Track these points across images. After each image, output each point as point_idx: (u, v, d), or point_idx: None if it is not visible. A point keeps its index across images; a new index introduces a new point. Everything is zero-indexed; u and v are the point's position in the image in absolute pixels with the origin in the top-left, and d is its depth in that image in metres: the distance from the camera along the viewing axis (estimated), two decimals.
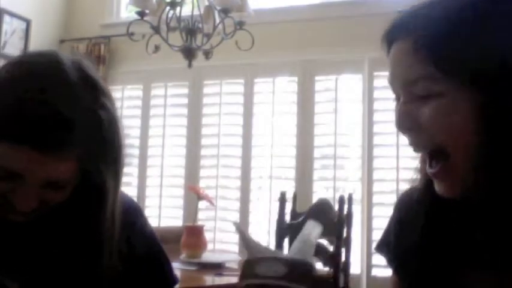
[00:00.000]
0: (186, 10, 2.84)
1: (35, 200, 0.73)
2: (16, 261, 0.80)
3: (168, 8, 2.72)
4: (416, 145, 0.66)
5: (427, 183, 0.71)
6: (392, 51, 0.68)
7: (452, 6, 0.64)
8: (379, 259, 3.32)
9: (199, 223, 3.04)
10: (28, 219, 0.77)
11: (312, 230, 0.77)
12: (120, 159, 0.80)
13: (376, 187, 3.37)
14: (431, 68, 0.62)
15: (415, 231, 0.72)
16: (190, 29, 2.76)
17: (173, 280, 0.99)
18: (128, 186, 3.95)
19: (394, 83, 0.68)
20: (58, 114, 0.69)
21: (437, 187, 0.66)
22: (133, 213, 0.94)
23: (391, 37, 0.69)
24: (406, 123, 0.65)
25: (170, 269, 0.98)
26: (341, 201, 2.35)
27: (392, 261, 0.81)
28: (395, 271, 0.80)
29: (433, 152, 0.64)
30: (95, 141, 0.74)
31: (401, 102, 0.66)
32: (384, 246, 0.83)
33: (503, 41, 0.60)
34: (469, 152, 0.61)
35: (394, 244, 0.80)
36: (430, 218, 0.71)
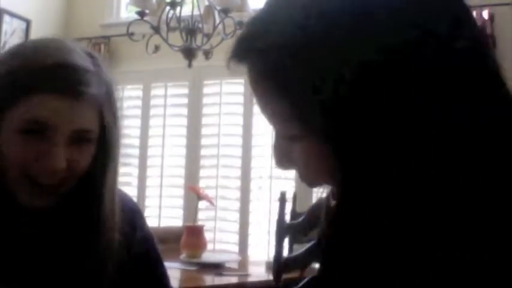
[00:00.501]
0: (186, 10, 2.84)
1: (63, 159, 0.75)
2: (15, 267, 0.80)
3: (168, 8, 2.72)
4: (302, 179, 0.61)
5: None
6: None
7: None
8: None
9: (199, 223, 3.04)
10: (49, 201, 0.79)
11: None
12: (119, 144, 0.85)
13: None
14: (283, 104, 0.54)
15: None
16: (190, 29, 2.77)
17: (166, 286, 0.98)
18: (128, 186, 3.95)
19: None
20: (73, 63, 0.76)
21: None
22: (133, 214, 0.94)
23: (237, 58, 0.58)
24: (282, 161, 0.60)
25: (165, 275, 0.98)
26: None
27: None
28: None
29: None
30: (109, 94, 0.80)
31: (274, 136, 0.60)
32: None
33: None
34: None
35: None
36: None
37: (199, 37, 2.80)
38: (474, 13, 3.07)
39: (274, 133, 0.60)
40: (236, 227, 3.65)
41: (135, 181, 3.94)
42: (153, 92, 3.97)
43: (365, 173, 0.52)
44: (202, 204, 3.11)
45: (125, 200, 0.93)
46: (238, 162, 3.69)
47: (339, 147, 0.52)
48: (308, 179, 0.60)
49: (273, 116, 0.57)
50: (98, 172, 0.81)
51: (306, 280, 2.07)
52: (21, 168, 0.76)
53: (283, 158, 0.60)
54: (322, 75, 0.51)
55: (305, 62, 0.52)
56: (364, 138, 0.51)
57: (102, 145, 0.81)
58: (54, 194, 0.79)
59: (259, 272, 2.57)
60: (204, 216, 3.63)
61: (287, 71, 0.52)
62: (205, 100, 3.84)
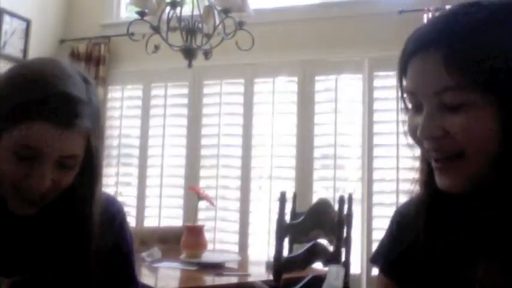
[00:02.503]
0: (186, 10, 2.84)
1: (49, 180, 0.84)
2: (8, 257, 0.88)
3: (168, 8, 2.72)
4: (436, 151, 0.68)
5: (426, 181, 0.73)
6: (416, 62, 0.69)
7: (478, 17, 0.66)
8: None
9: (199, 223, 3.04)
10: (34, 210, 0.88)
11: (337, 275, 0.78)
12: (104, 148, 0.95)
13: (376, 187, 3.37)
14: (461, 78, 0.64)
15: (415, 230, 0.75)
16: (190, 29, 2.77)
17: (132, 281, 1.05)
18: (128, 186, 3.96)
19: (418, 92, 0.69)
20: (67, 93, 0.83)
21: (442, 181, 0.69)
22: (114, 209, 1.02)
23: (414, 49, 0.70)
24: (434, 132, 0.67)
25: (132, 271, 1.06)
26: (341, 201, 2.35)
27: (388, 267, 0.82)
28: (391, 275, 0.82)
29: (451, 154, 0.67)
30: (97, 122, 0.88)
31: (427, 112, 0.68)
32: (378, 258, 0.86)
33: None
34: (486, 157, 0.65)
35: (389, 250, 0.82)
36: (431, 213, 0.74)
37: (199, 37, 2.80)
38: None
39: (426, 108, 0.68)
40: (236, 227, 3.65)
41: (135, 181, 3.94)
42: (153, 92, 3.97)
43: None
44: (202, 204, 3.11)
45: (108, 196, 1.03)
46: (238, 162, 3.69)
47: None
48: (455, 145, 0.66)
49: (443, 85, 0.65)
50: (84, 186, 0.91)
51: (306, 280, 2.08)
52: (12, 182, 0.85)
53: (435, 129, 0.67)
54: (504, 46, 0.63)
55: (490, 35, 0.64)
56: None
57: (88, 164, 0.89)
58: (37, 205, 0.88)
59: (259, 272, 2.57)
60: (204, 216, 3.63)
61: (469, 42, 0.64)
62: (205, 100, 3.84)
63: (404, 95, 0.73)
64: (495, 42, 0.64)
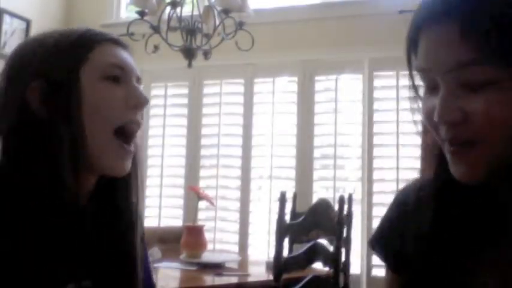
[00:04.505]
0: (186, 10, 2.84)
1: None
2: (70, 259, 0.78)
3: (168, 8, 2.72)
4: (453, 136, 0.61)
5: (436, 170, 0.68)
6: (429, 35, 0.61)
7: None
8: (379, 259, 3.32)
9: (199, 223, 3.04)
10: (128, 165, 0.82)
11: None
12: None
13: (376, 187, 3.37)
14: (483, 53, 0.56)
15: (418, 222, 0.70)
16: (190, 29, 2.77)
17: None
18: None
19: (432, 69, 0.61)
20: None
21: (458, 170, 0.62)
22: None
23: (425, 20, 0.62)
24: (453, 115, 0.59)
25: (151, 278, 1.01)
26: (341, 201, 2.35)
27: (390, 255, 0.79)
28: (393, 264, 0.79)
29: (470, 140, 0.60)
30: None
31: (444, 93, 0.60)
32: (377, 243, 0.82)
33: None
34: (507, 144, 0.58)
35: (391, 238, 0.78)
36: (440, 202, 0.68)
37: (199, 37, 2.80)
38: None
39: (443, 87, 0.60)
40: (236, 227, 3.65)
41: None
42: (153, 92, 3.97)
43: None
44: (202, 204, 3.11)
45: None
46: (238, 162, 3.69)
47: None
48: (474, 130, 0.59)
49: (461, 60, 0.58)
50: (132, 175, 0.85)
51: (306, 280, 2.08)
52: (113, 120, 0.78)
53: (454, 112, 0.59)
54: None
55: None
56: None
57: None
58: (131, 158, 0.82)
59: (259, 272, 2.57)
60: (204, 216, 3.63)
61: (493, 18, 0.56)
62: (205, 100, 3.84)
63: (414, 73, 0.66)
64: None
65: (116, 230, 0.83)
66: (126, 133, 0.79)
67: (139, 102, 0.81)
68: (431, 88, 0.63)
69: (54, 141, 0.74)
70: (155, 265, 2.55)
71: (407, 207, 0.74)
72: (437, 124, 0.62)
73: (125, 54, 0.83)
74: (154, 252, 2.65)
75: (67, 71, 0.76)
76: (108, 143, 0.78)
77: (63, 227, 0.75)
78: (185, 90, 3.89)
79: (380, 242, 0.81)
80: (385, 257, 0.81)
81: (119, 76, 0.80)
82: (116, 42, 0.83)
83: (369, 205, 3.35)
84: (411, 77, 0.67)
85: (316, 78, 3.58)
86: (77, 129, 0.75)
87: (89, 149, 0.76)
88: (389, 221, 0.79)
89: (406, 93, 3.46)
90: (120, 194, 0.84)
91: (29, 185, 0.73)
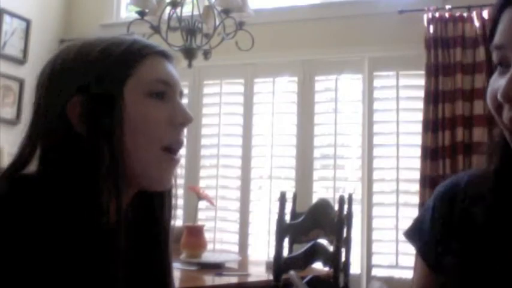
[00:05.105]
0: (186, 10, 2.84)
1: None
2: (119, 272, 0.76)
3: (168, 8, 2.72)
4: None
5: (501, 160, 0.67)
6: (508, 14, 0.62)
7: None
8: (379, 259, 3.32)
9: (199, 223, 3.04)
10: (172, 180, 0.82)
11: None
12: None
13: (376, 187, 3.37)
14: None
15: (476, 211, 0.69)
16: (190, 29, 2.77)
17: None
18: None
19: (505, 45, 0.62)
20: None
21: None
22: None
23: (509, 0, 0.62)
24: None
25: None
26: (341, 201, 2.35)
27: (428, 247, 0.77)
28: (431, 257, 0.77)
29: None
30: None
31: None
32: (415, 234, 0.81)
33: None
34: None
35: (432, 230, 0.77)
36: (500, 194, 0.67)
37: (199, 37, 2.80)
38: (474, 13, 3.09)
39: None
40: (236, 227, 3.65)
41: None
42: None
43: None
44: (202, 204, 3.11)
45: None
46: (238, 162, 3.69)
47: None
48: None
49: None
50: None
51: (306, 280, 2.08)
52: (160, 140, 0.76)
53: None
54: None
55: None
56: None
57: None
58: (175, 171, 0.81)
59: (259, 272, 2.57)
60: (204, 216, 3.63)
61: None
62: (205, 100, 3.84)
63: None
64: None
65: (152, 242, 0.83)
66: (172, 151, 0.78)
67: (185, 121, 0.79)
68: (502, 69, 0.62)
69: (94, 159, 0.71)
70: None
71: (454, 200, 0.74)
72: (501, 104, 0.60)
73: (170, 68, 0.80)
74: None
75: (111, 88, 0.74)
76: (156, 158, 0.76)
77: (97, 244, 0.72)
78: (185, 90, 3.87)
79: (418, 233, 0.80)
80: (421, 249, 0.80)
81: (164, 92, 0.78)
82: (163, 54, 0.80)
83: (369, 205, 3.35)
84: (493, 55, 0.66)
85: (316, 78, 3.58)
86: (118, 147, 0.73)
87: (133, 165, 0.74)
88: (430, 214, 0.79)
89: (406, 93, 3.47)
90: (157, 205, 0.83)
91: (65, 202, 0.70)
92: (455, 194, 0.75)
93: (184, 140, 0.80)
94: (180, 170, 3.84)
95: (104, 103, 0.73)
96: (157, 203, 0.83)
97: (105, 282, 0.73)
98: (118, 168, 0.73)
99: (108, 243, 0.73)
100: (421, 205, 3.08)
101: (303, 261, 2.15)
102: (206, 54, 2.83)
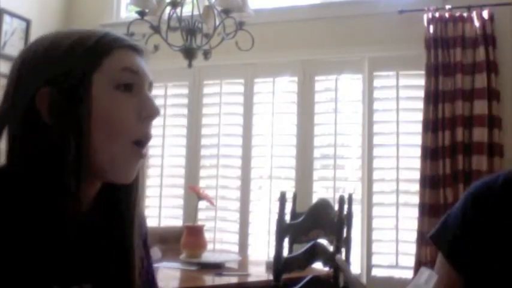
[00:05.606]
0: (186, 10, 2.84)
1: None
2: (69, 264, 0.77)
3: (168, 7, 2.72)
4: None
5: None
6: None
7: None
8: (379, 259, 3.32)
9: (199, 223, 3.04)
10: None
11: (429, 278, 0.75)
12: None
13: (376, 187, 3.37)
14: None
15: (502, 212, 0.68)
16: (190, 29, 2.77)
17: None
18: None
19: None
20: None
21: None
22: (140, 219, 0.98)
23: None
24: None
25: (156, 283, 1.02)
26: (341, 201, 2.34)
27: (456, 251, 0.77)
28: (458, 257, 0.77)
29: None
30: None
31: None
32: (442, 237, 0.81)
33: None
34: None
35: (463, 233, 0.76)
36: None
37: (199, 37, 2.80)
38: (474, 13, 3.09)
39: None
40: (236, 227, 3.65)
41: None
42: (153, 92, 3.94)
43: None
44: (202, 204, 3.11)
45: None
46: (238, 162, 3.69)
47: None
48: None
49: None
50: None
51: (306, 279, 2.08)
52: (128, 134, 0.76)
53: None
54: None
55: None
56: None
57: None
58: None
59: (259, 272, 2.57)
60: (204, 216, 3.63)
61: None
62: (205, 100, 3.84)
63: None
64: None
65: (116, 233, 0.83)
66: (140, 144, 0.78)
67: (152, 114, 0.79)
68: None
69: (60, 150, 0.72)
70: (155, 265, 2.55)
71: (486, 203, 0.74)
72: None
73: (138, 59, 0.80)
74: (154, 252, 2.65)
75: (79, 80, 0.74)
76: (124, 152, 0.77)
77: (64, 233, 0.74)
78: (185, 90, 3.89)
79: (444, 236, 0.80)
80: (448, 252, 0.80)
81: (132, 83, 0.78)
82: (132, 48, 0.80)
83: (369, 205, 3.35)
84: None
85: (316, 78, 3.58)
86: (85, 138, 0.73)
87: (100, 157, 0.75)
88: (459, 217, 0.78)
89: (406, 93, 3.47)
90: (122, 198, 0.84)
91: (32, 191, 0.72)
92: (488, 197, 0.75)
93: (152, 134, 0.80)
94: (180, 170, 3.84)
95: (71, 95, 0.74)
96: (121, 195, 0.83)
97: (70, 271, 0.75)
98: (84, 160, 0.73)
99: (73, 231, 0.75)
100: (421, 205, 3.09)
101: (303, 261, 2.15)
102: (206, 54, 2.83)
